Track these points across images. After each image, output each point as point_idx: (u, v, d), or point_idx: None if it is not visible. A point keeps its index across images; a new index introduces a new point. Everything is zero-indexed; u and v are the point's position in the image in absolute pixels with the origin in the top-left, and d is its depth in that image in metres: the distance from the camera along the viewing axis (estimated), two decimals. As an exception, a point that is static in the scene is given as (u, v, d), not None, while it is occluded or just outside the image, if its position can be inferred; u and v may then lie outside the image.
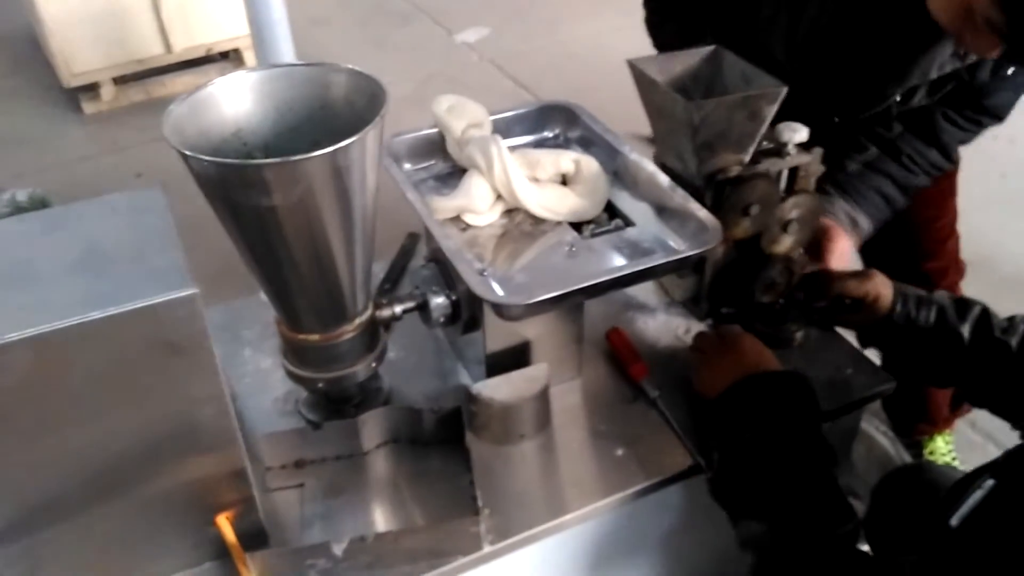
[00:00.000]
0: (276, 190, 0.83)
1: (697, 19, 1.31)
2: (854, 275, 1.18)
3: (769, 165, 1.12)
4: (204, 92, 0.92)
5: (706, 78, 1.17)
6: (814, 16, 1.21)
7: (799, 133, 1.10)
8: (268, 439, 1.03)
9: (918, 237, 1.67)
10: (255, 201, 0.84)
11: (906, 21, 1.00)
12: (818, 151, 1.14)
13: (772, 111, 1.07)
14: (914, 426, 2.04)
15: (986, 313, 1.09)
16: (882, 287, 1.14)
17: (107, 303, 0.74)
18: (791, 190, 1.16)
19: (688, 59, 1.16)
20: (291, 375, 1.03)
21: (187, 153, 0.81)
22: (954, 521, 0.77)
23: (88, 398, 0.78)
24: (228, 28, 3.68)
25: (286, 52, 3.12)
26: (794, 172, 1.15)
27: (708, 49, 1.16)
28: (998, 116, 1.35)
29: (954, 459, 2.02)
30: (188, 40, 3.67)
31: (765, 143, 1.14)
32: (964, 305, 1.11)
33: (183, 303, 0.76)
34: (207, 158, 0.81)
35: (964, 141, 1.40)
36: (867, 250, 1.48)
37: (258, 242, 0.89)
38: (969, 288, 1.90)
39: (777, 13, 1.24)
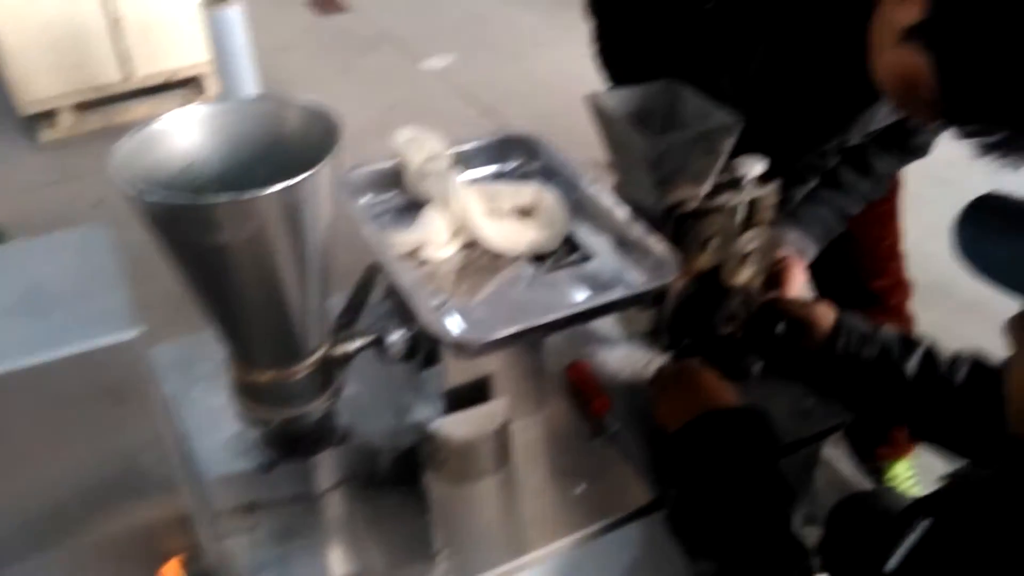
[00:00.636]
0: (226, 228, 0.81)
1: (648, 54, 1.32)
2: (798, 302, 1.20)
3: (727, 198, 1.12)
4: (153, 127, 0.90)
5: (662, 111, 1.17)
6: (757, 70, 1.24)
7: (756, 166, 1.11)
8: (218, 482, 1.00)
9: (863, 257, 1.72)
10: (204, 239, 0.82)
11: (850, 83, 1.03)
12: (775, 184, 1.14)
13: (730, 144, 1.07)
14: (874, 451, 2.05)
15: (931, 352, 1.10)
16: (822, 311, 1.15)
17: (45, 348, 0.71)
18: (749, 222, 1.16)
19: (644, 93, 1.17)
20: (242, 415, 1.00)
21: (132, 192, 0.79)
22: (891, 564, 0.76)
23: (23, 444, 0.75)
24: (190, 55, 3.64)
25: (249, 79, 3.11)
26: (752, 205, 1.15)
27: (664, 82, 1.17)
28: (923, 152, 1.41)
29: (915, 484, 2.03)
30: (149, 67, 3.63)
31: (723, 176, 1.14)
32: (910, 343, 1.11)
33: (124, 347, 0.73)
34: (153, 195, 0.79)
35: (893, 172, 1.45)
36: (815, 271, 1.51)
37: (207, 280, 0.87)
38: (927, 312, 1.92)
39: (727, 51, 1.25)
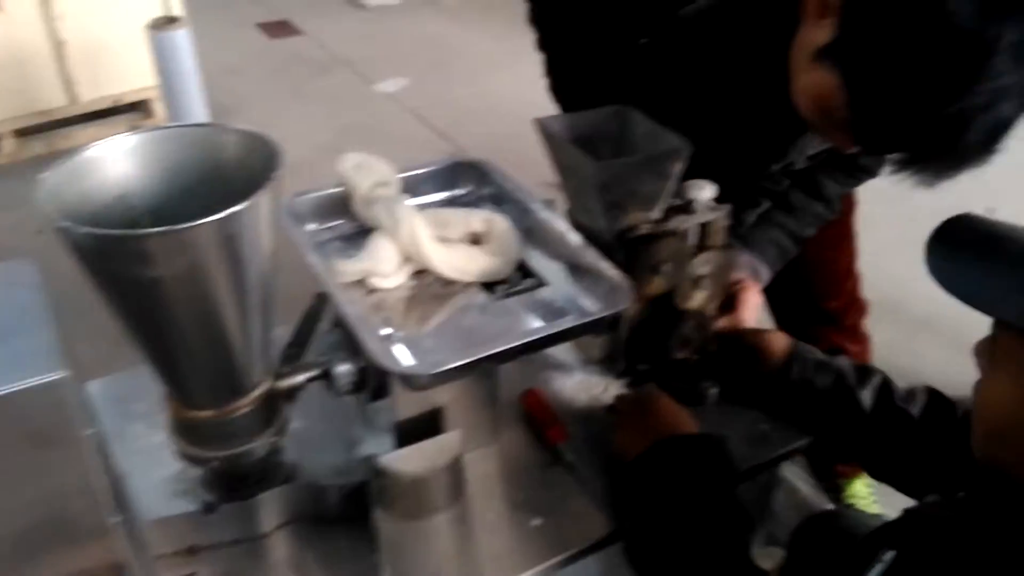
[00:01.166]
0: (160, 261, 0.78)
1: (597, 86, 1.32)
2: (752, 330, 1.21)
3: (679, 222, 1.11)
4: (84, 156, 0.86)
5: (613, 136, 1.16)
6: (693, 101, 1.24)
7: (706, 190, 1.10)
8: (156, 525, 0.96)
9: (819, 278, 1.73)
10: (136, 272, 0.78)
11: (783, 110, 1.04)
12: (726, 207, 1.14)
13: (678, 168, 1.07)
14: (833, 468, 2.05)
15: (887, 382, 1.10)
16: (776, 338, 1.15)
17: (-38, 391, 0.67)
18: (701, 246, 1.15)
19: (594, 117, 1.16)
20: (182, 455, 0.96)
21: (59, 223, 0.75)
22: None
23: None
24: (137, 78, 3.56)
25: (197, 103, 3.06)
26: (703, 228, 1.15)
27: (614, 107, 1.16)
28: (871, 173, 1.42)
29: (874, 502, 2.04)
30: (94, 91, 3.54)
31: (674, 200, 1.13)
32: (864, 372, 1.11)
33: (50, 389, 0.69)
34: (81, 228, 0.75)
35: (844, 194, 1.46)
36: (771, 292, 1.51)
37: (140, 315, 0.83)
38: (882, 329, 1.93)
39: (660, 93, 1.25)
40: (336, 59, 4.59)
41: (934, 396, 1.09)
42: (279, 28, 4.99)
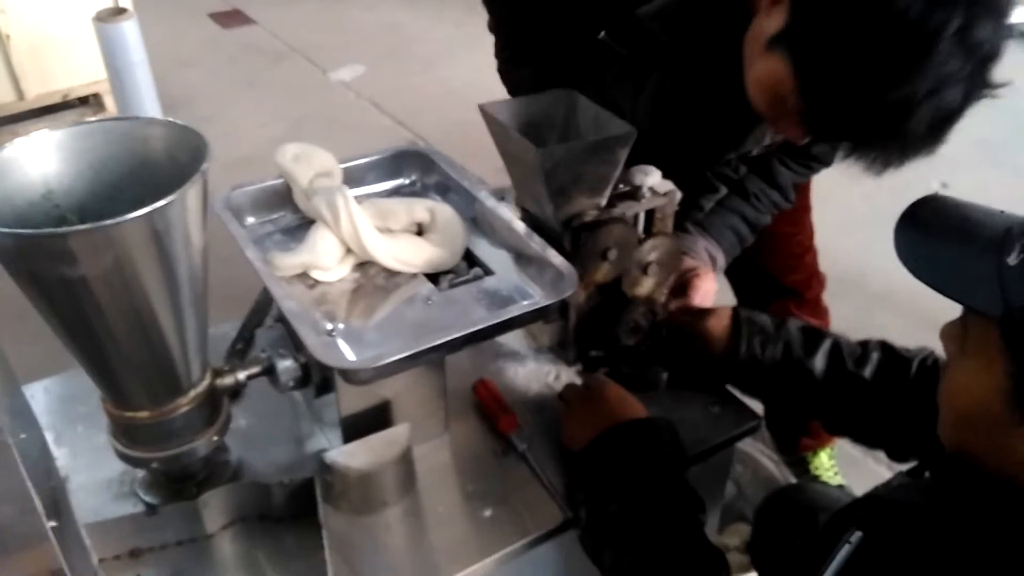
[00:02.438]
0: (85, 259, 0.75)
1: (551, 66, 1.30)
2: (694, 313, 1.19)
3: (625, 208, 1.11)
4: (4, 154, 0.83)
5: (560, 121, 1.15)
6: (651, 94, 1.24)
7: (652, 176, 1.10)
8: (96, 529, 0.93)
9: (778, 254, 1.74)
10: (61, 272, 0.76)
11: (741, 103, 1.04)
12: (674, 194, 1.13)
13: (624, 154, 1.06)
14: (797, 441, 2.07)
15: (837, 345, 1.09)
16: (716, 322, 1.14)
17: None
18: (649, 232, 1.15)
19: (541, 103, 1.14)
20: (121, 456, 0.94)
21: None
22: None
23: None
24: (86, 73, 3.48)
25: (147, 96, 3.00)
26: (651, 215, 1.14)
27: (561, 92, 1.15)
28: (824, 162, 1.42)
29: (837, 474, 2.06)
30: (42, 86, 3.46)
31: (621, 187, 1.12)
32: (814, 338, 1.10)
33: (-34, 395, 0.67)
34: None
35: (798, 182, 1.46)
36: (732, 268, 1.51)
37: (70, 316, 0.81)
38: (842, 305, 1.96)
39: (623, 78, 1.25)
40: (291, 47, 4.52)
41: (887, 354, 1.08)
42: (231, 17, 4.90)
